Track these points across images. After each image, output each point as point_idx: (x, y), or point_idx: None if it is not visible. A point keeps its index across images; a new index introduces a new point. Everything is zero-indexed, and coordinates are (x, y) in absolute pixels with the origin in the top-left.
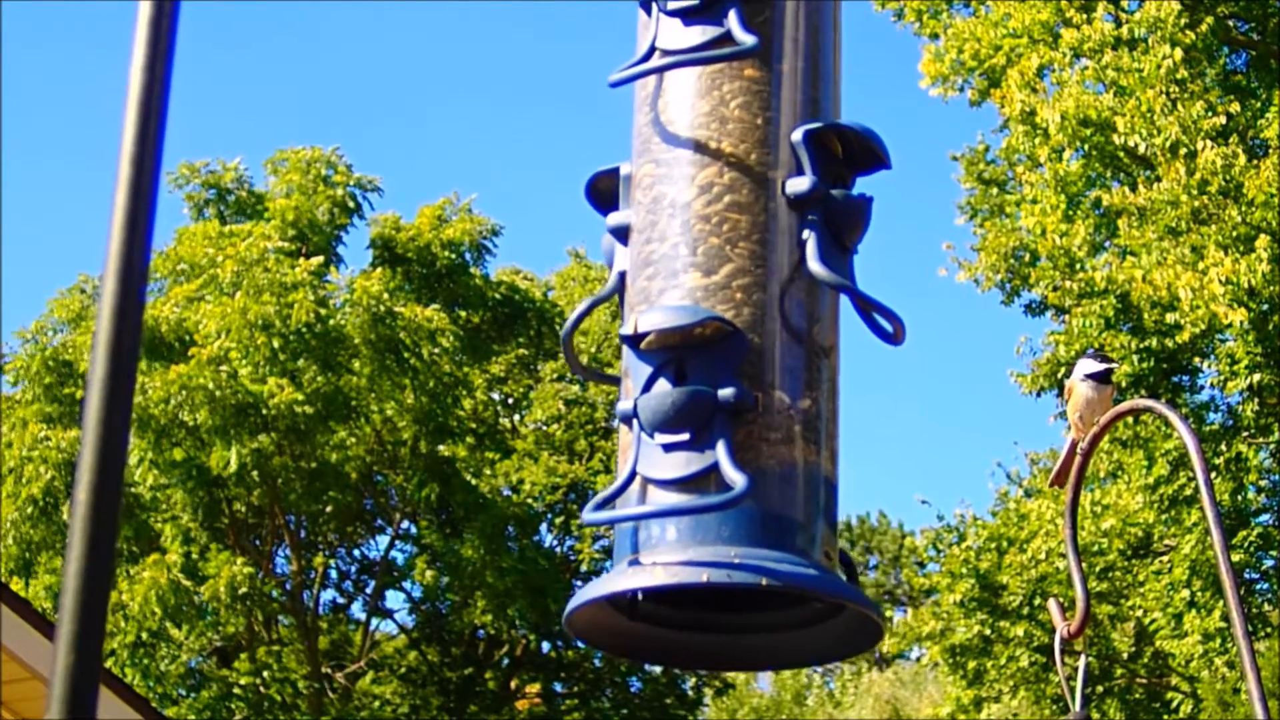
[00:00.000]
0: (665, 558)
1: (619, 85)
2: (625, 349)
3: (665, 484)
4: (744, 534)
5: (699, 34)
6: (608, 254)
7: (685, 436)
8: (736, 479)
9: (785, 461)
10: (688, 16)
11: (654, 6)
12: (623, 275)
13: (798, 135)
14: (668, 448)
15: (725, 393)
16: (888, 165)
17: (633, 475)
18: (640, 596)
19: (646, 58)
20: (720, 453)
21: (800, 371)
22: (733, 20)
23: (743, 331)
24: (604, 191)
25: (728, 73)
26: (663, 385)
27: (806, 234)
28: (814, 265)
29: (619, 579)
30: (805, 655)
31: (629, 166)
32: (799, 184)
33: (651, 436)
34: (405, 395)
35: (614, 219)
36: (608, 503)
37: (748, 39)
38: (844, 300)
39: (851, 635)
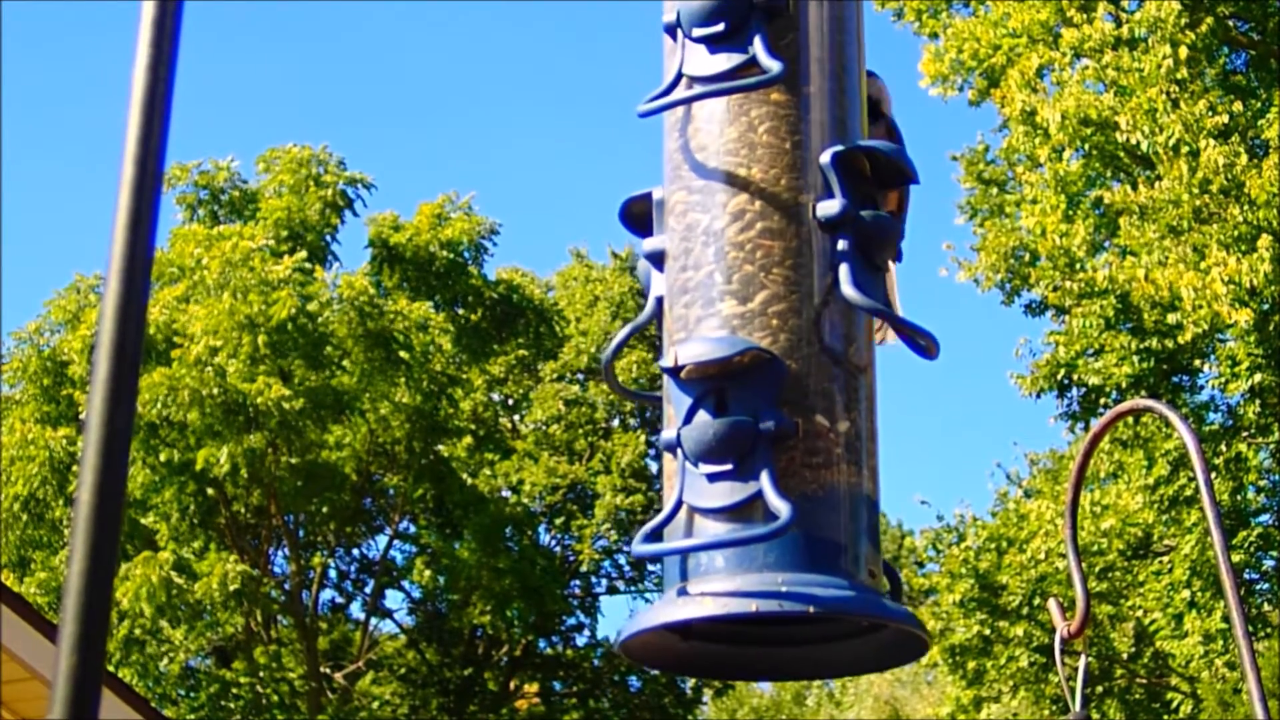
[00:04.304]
0: (714, 587)
1: (648, 116)
2: (666, 378)
3: (711, 513)
4: (789, 560)
5: (725, 60)
6: (644, 278)
7: (729, 466)
8: (781, 508)
9: (827, 485)
10: (713, 43)
11: (679, 33)
12: (660, 300)
13: (826, 158)
14: (712, 478)
15: (766, 421)
16: (916, 181)
17: (679, 504)
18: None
19: (674, 84)
20: (764, 482)
21: (838, 394)
22: (758, 46)
23: (780, 358)
24: (638, 215)
25: (755, 98)
26: (703, 416)
27: (839, 257)
28: (848, 290)
29: (670, 609)
30: (855, 664)
31: (661, 191)
32: (829, 207)
33: (696, 466)
34: (397, 393)
35: (649, 244)
36: (656, 532)
37: (774, 65)
38: None
39: (899, 647)
